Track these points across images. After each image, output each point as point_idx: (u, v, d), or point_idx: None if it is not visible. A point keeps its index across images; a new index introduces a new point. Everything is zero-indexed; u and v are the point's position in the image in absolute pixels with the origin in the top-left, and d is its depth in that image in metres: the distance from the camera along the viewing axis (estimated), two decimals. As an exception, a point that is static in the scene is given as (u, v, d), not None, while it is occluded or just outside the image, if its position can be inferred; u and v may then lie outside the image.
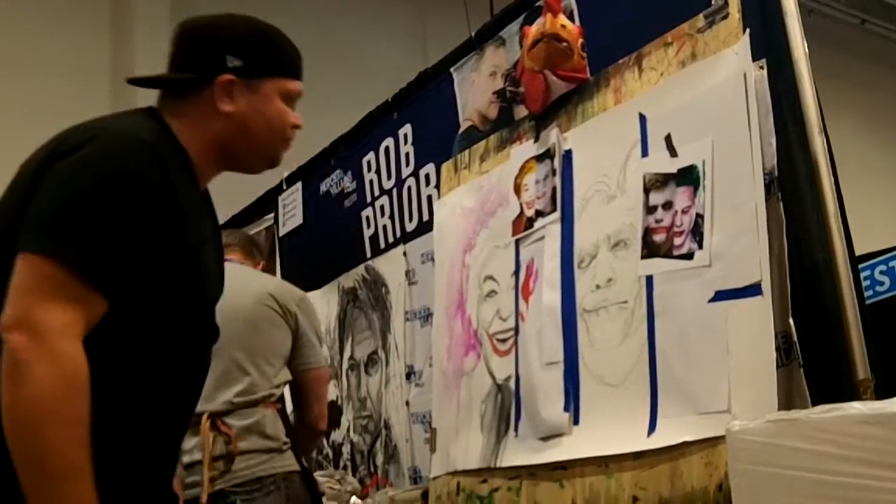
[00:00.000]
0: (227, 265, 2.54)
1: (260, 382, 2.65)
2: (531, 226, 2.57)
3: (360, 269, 3.77)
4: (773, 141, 2.05)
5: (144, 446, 1.53)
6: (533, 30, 2.53)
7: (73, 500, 1.33)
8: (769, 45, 2.16)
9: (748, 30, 2.07)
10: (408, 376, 3.42)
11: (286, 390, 2.84)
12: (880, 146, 8.40)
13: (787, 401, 1.91)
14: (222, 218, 4.64)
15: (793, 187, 2.12)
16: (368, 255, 3.73)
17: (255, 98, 1.67)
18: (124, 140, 1.51)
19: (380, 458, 3.54)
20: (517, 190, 2.65)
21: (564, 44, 2.47)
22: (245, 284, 2.75)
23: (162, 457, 1.61)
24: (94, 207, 1.42)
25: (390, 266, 3.58)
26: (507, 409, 2.56)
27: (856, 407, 1.38)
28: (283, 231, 4.33)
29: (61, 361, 1.34)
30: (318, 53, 6.99)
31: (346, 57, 7.22)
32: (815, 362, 1.99)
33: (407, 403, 3.40)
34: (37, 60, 5.89)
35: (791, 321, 1.96)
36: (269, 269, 4.40)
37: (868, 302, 2.48)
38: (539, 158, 2.59)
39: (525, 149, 2.66)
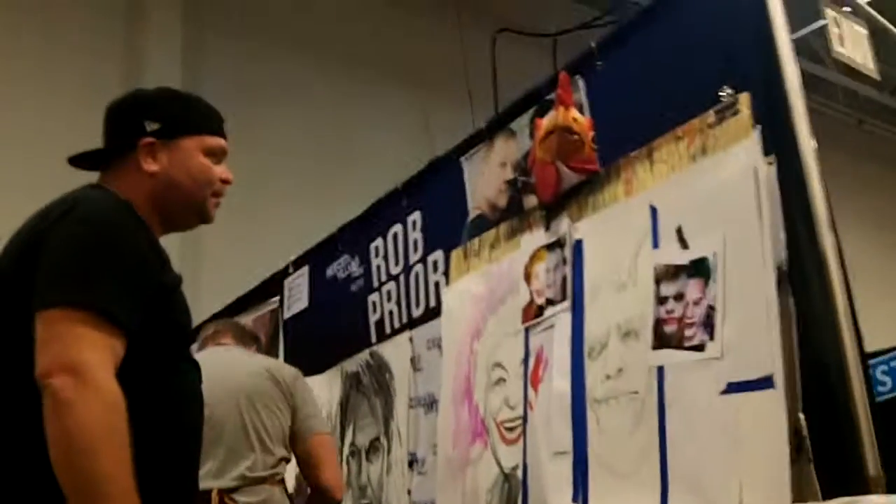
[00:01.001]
0: (222, 348, 2.67)
1: (264, 459, 2.66)
2: (541, 314, 2.59)
3: (364, 355, 3.76)
4: (783, 236, 2.09)
5: (163, 475, 1.64)
6: (545, 122, 2.59)
7: None
8: (777, 141, 2.21)
9: (759, 126, 2.12)
10: (410, 464, 3.38)
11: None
12: (879, 246, 8.47)
13: (798, 496, 1.90)
14: (228, 300, 4.67)
15: (802, 282, 2.13)
16: (374, 340, 3.73)
17: (177, 155, 1.82)
18: (104, 201, 1.69)
19: (380, 548, 3.48)
20: (527, 278, 2.68)
21: (576, 136, 2.52)
22: (241, 364, 2.90)
23: (181, 485, 1.72)
24: (102, 256, 1.59)
25: (395, 352, 3.57)
26: (514, 498, 2.54)
27: (871, 500, 1.37)
28: (287, 314, 4.33)
29: (104, 394, 1.47)
30: (322, 142, 7.16)
31: (351, 147, 7.34)
32: (825, 458, 1.98)
33: (409, 492, 3.36)
34: (49, 75, 5.97)
35: (801, 416, 1.96)
36: (272, 353, 4.40)
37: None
38: (549, 247, 2.62)
39: (535, 237, 2.69)
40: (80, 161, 1.88)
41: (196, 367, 1.82)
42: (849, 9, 2.63)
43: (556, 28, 7.48)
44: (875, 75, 2.61)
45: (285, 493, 2.70)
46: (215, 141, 1.87)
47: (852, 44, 2.55)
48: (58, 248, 1.59)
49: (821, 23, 3.37)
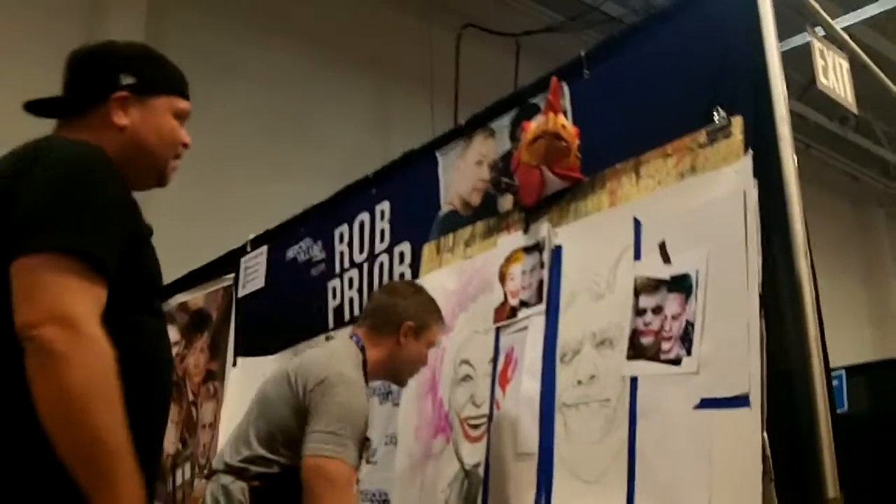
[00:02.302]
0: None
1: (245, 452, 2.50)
2: (514, 315, 2.61)
3: (320, 340, 3.74)
4: (760, 259, 2.13)
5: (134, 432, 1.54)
6: (533, 126, 2.61)
7: (129, 477, 1.42)
8: (761, 165, 2.26)
9: (750, 151, 2.16)
10: (360, 453, 3.38)
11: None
12: (820, 270, 8.67)
13: (760, 514, 1.95)
14: (181, 273, 4.61)
15: (775, 304, 2.19)
16: (331, 325, 3.72)
17: (148, 113, 1.77)
18: (78, 146, 1.62)
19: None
20: (502, 278, 2.70)
21: (564, 143, 2.55)
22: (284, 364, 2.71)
23: (149, 440, 1.63)
24: (84, 198, 1.52)
25: (353, 339, 3.56)
26: (473, 495, 2.56)
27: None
28: (242, 292, 4.29)
29: (98, 347, 1.42)
30: (278, 121, 7.09)
31: (307, 130, 7.28)
32: (787, 478, 2.04)
33: (357, 480, 3.36)
34: (8, 37, 5.81)
35: (765, 435, 2.01)
36: (224, 330, 4.37)
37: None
38: (527, 250, 2.65)
39: (513, 239, 2.71)
40: (38, 109, 1.79)
41: (163, 320, 1.77)
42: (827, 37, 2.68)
43: (521, 29, 7.56)
44: (854, 109, 2.67)
45: (252, 492, 2.44)
46: (185, 104, 1.85)
47: (835, 76, 2.61)
48: (36, 192, 1.51)
49: (792, 44, 3.45)
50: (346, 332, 2.90)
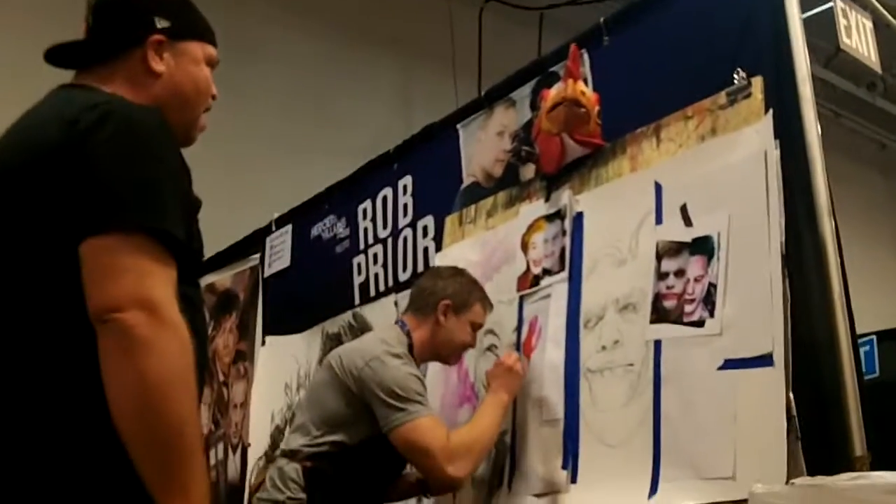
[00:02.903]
0: None
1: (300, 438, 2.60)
2: (537, 283, 2.62)
3: (346, 316, 3.76)
4: (783, 220, 2.12)
5: None
6: (552, 93, 2.61)
7: (200, 477, 1.33)
8: (782, 126, 2.24)
9: (771, 110, 2.15)
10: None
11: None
12: (851, 238, 8.59)
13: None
14: (206, 254, 4.65)
15: (799, 265, 2.18)
16: (357, 302, 3.73)
17: (183, 60, 1.66)
18: (139, 109, 1.51)
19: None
20: (524, 247, 2.70)
21: (583, 109, 2.54)
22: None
23: None
24: (157, 171, 1.42)
25: (379, 314, 3.57)
26: (500, 463, 2.57)
27: (883, 476, 1.42)
28: (268, 272, 4.32)
29: (181, 333, 1.35)
30: (300, 101, 7.11)
31: (328, 108, 7.29)
32: (812, 437, 2.03)
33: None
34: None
35: (790, 395, 2.01)
36: (251, 311, 4.40)
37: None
38: (549, 218, 2.65)
39: (535, 208, 2.71)
40: (60, 58, 1.67)
41: (200, 295, 1.68)
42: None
43: (544, 3, 7.51)
44: (878, 69, 2.65)
45: (305, 472, 2.51)
46: (215, 51, 1.74)
47: (858, 36, 2.58)
48: (106, 164, 1.40)
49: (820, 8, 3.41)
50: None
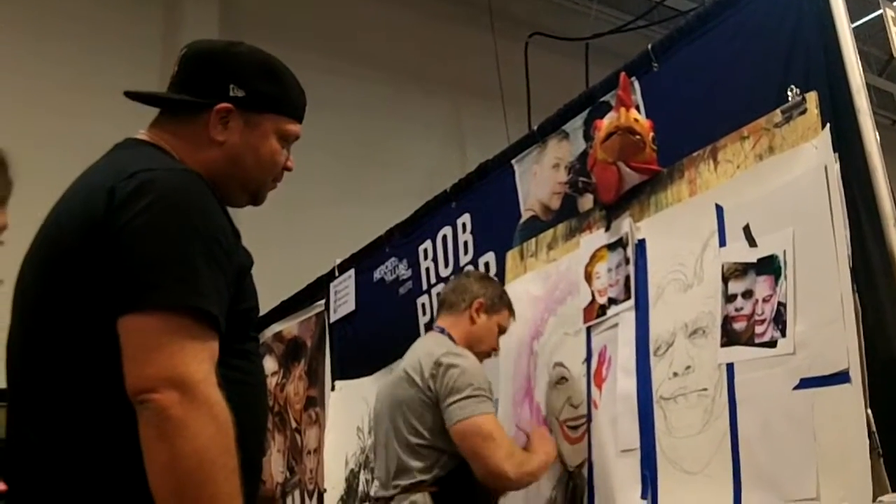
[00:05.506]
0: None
1: (410, 466, 2.57)
2: (604, 313, 2.61)
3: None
4: (848, 234, 2.10)
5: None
6: (605, 123, 2.61)
7: None
8: (840, 139, 2.22)
9: (828, 125, 2.13)
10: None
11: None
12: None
13: (869, 490, 1.91)
14: (273, 303, 4.70)
15: (867, 277, 2.15)
16: (423, 342, 3.75)
17: (251, 132, 1.64)
18: (177, 176, 1.50)
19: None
20: (588, 278, 2.70)
21: (637, 136, 2.54)
22: (399, 368, 2.78)
23: (254, 473, 1.57)
24: (194, 247, 1.41)
25: (446, 353, 3.59)
26: (579, 495, 2.56)
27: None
28: (334, 317, 4.37)
29: (217, 412, 1.33)
30: (356, 147, 7.21)
31: (383, 152, 7.38)
32: (892, 453, 1.99)
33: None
34: (88, 31, 6.05)
35: (869, 411, 1.97)
36: (319, 356, 4.44)
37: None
38: (611, 247, 2.64)
39: (596, 238, 2.71)
40: (142, 99, 1.68)
41: (258, 348, 1.67)
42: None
43: (587, 33, 7.54)
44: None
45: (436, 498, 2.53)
46: (294, 127, 1.71)
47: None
48: (141, 237, 1.39)
49: (869, 17, 3.38)
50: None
